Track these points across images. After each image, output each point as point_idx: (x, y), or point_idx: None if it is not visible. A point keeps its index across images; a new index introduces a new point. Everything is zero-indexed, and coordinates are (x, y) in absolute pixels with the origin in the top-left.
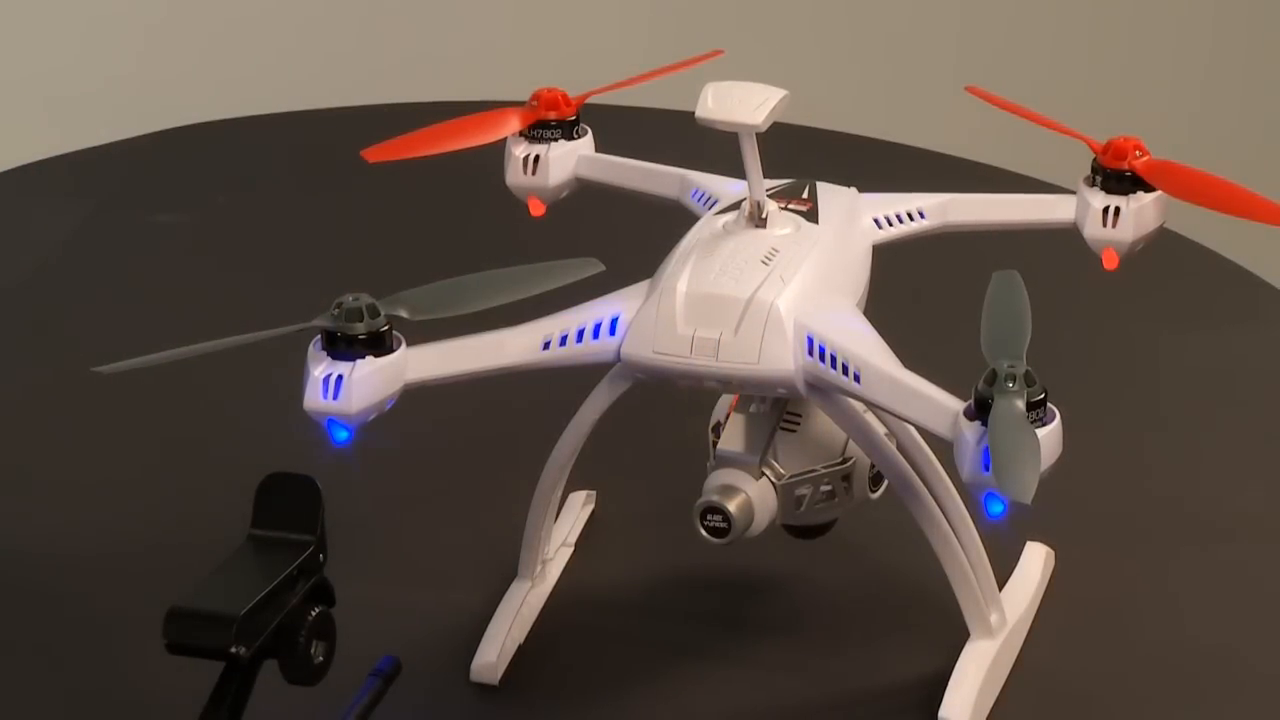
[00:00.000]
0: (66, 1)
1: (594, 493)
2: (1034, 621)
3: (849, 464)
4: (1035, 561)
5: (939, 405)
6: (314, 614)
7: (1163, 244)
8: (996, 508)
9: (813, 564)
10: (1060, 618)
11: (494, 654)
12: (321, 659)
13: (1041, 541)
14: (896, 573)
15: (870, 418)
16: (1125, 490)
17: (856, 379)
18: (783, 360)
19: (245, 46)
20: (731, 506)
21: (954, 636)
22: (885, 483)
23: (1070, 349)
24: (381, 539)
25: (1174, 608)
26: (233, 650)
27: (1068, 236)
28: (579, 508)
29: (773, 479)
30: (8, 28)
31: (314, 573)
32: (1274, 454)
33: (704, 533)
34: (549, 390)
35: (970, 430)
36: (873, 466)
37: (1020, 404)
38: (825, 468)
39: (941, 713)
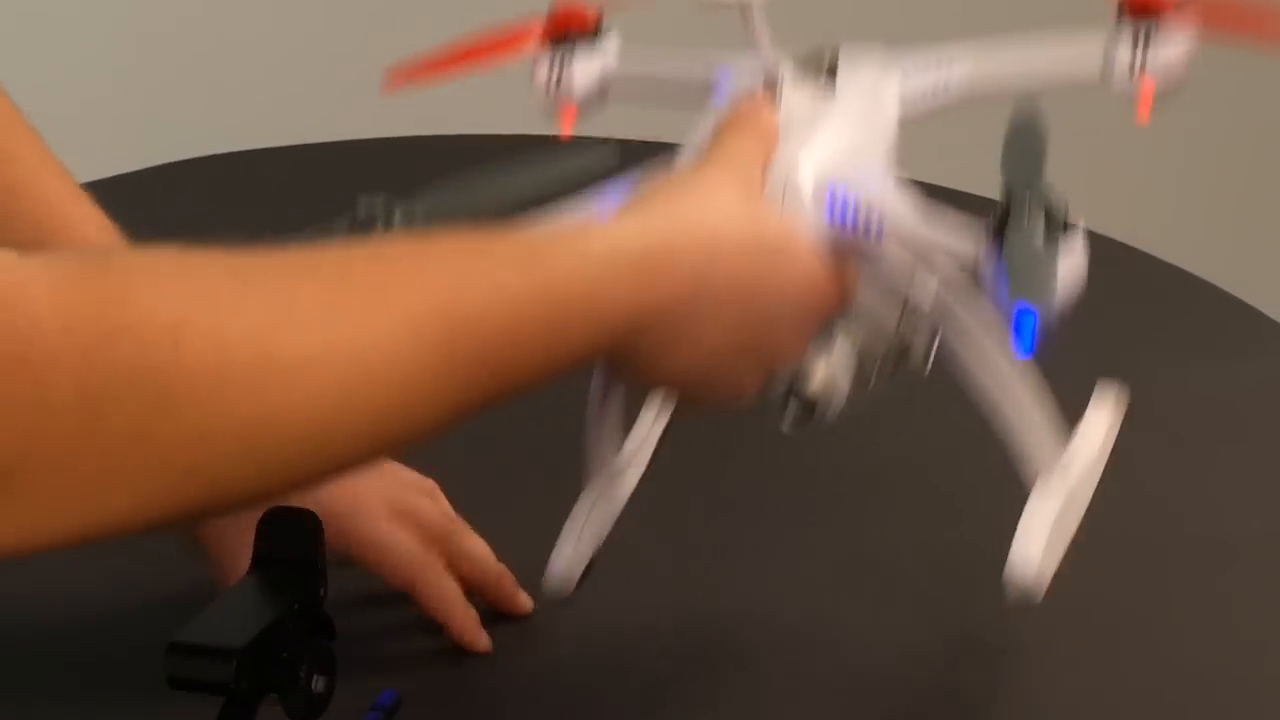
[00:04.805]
0: (65, 40)
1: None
2: (1033, 640)
3: (910, 334)
4: (1105, 402)
5: (965, 244)
6: (315, 648)
7: (1161, 279)
8: (1026, 333)
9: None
10: (1062, 640)
11: (562, 565)
12: (322, 693)
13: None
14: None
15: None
16: (1129, 514)
17: (879, 236)
18: (814, 223)
19: (242, 80)
20: (815, 385)
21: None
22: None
23: (1072, 380)
24: None
25: (1178, 630)
26: (233, 685)
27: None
28: (649, 423)
29: (841, 355)
30: (8, 64)
31: (315, 606)
32: (1275, 480)
33: (788, 419)
34: (547, 408)
35: (991, 257)
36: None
37: (1037, 221)
38: (886, 337)
39: (1009, 566)
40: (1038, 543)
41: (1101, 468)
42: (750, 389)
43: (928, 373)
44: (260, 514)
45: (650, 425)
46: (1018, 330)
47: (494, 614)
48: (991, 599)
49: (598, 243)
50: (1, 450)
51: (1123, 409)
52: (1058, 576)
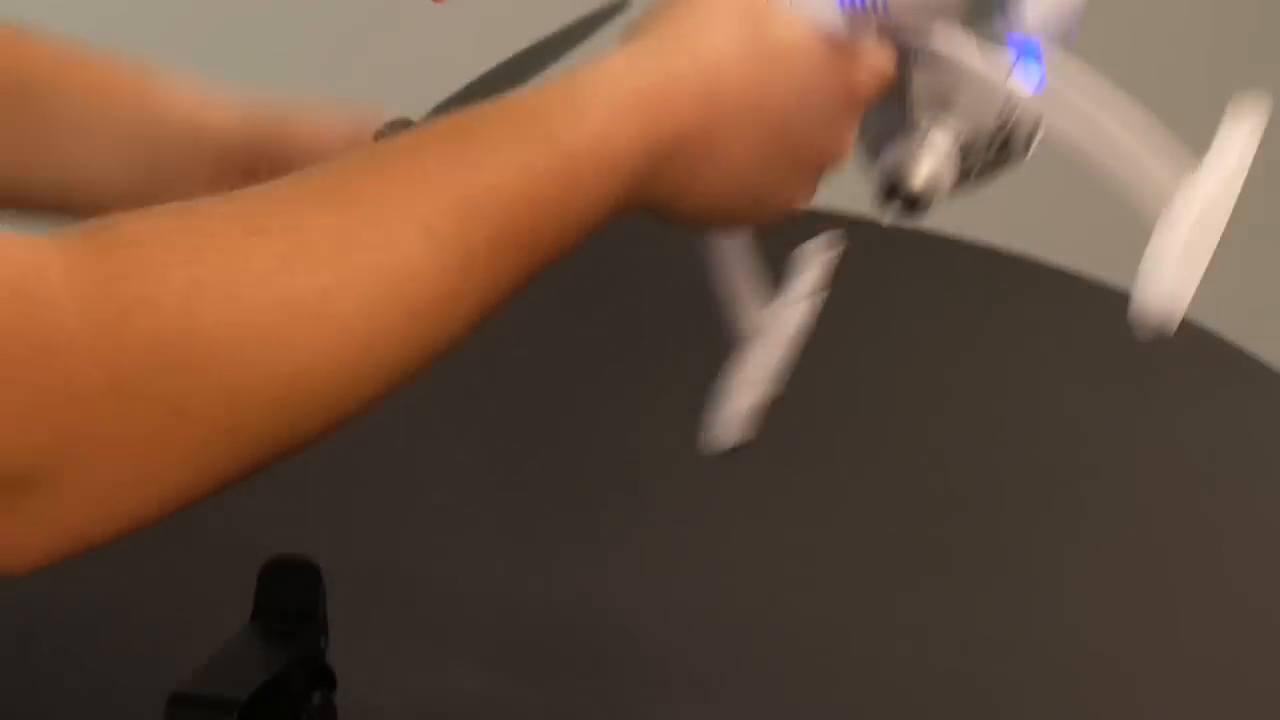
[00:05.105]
0: None
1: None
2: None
3: (1011, 124)
4: (1242, 113)
5: None
6: (316, 698)
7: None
8: (1030, 64)
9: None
10: (1059, 671)
11: (727, 416)
12: None
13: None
14: None
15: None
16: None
17: (884, 8)
18: (823, 13)
19: None
20: (918, 181)
21: None
22: (1038, 137)
23: (1059, 426)
24: (382, 617)
25: (1178, 635)
26: None
27: (1059, 323)
28: (819, 254)
29: (941, 147)
30: None
31: (316, 657)
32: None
33: (890, 215)
34: (531, 458)
35: None
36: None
37: None
38: (987, 130)
39: (1135, 302)
40: (1166, 276)
41: (1242, 178)
42: (802, 198)
43: (1028, 158)
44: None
45: (815, 262)
46: (1022, 62)
47: (488, 655)
48: (992, 596)
49: (591, 90)
50: (42, 450)
51: (1264, 119)
52: (1060, 589)
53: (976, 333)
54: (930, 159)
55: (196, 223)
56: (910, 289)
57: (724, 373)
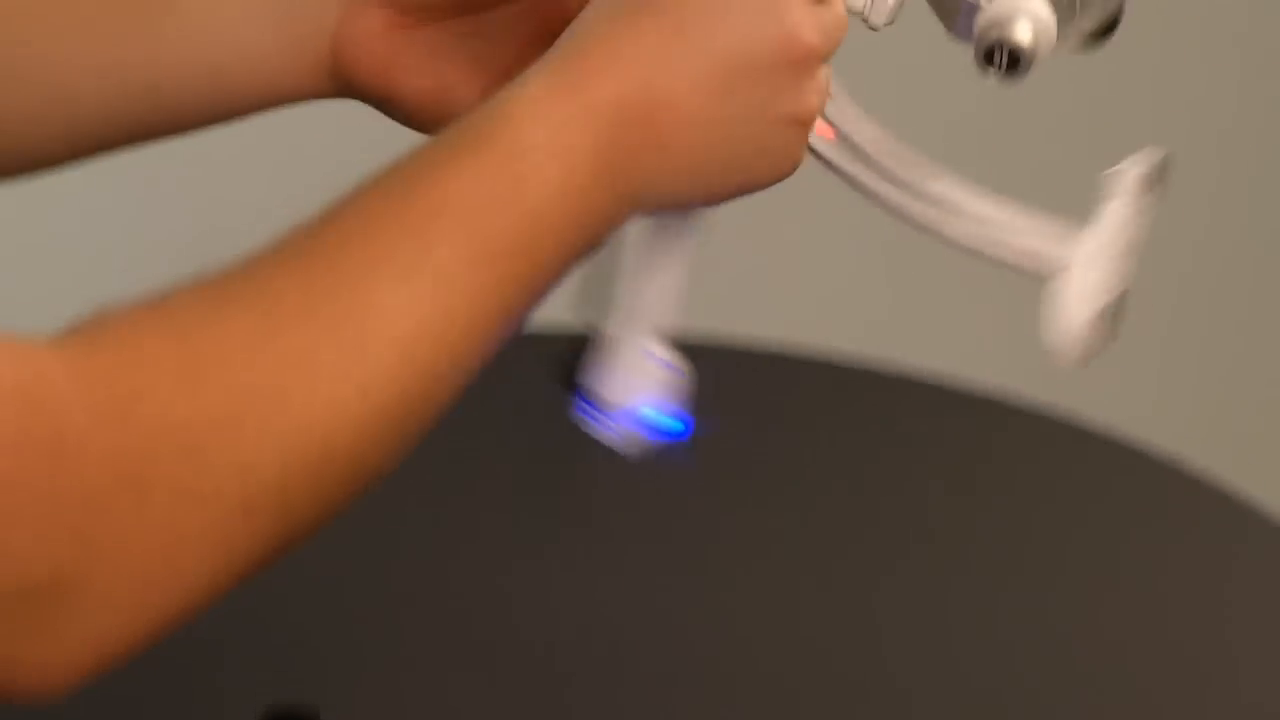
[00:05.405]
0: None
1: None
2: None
3: None
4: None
5: None
6: None
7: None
8: None
9: None
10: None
11: (1066, 330)
12: None
13: None
14: None
15: None
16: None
17: None
18: None
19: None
20: (1020, 37)
21: None
22: None
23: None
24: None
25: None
26: None
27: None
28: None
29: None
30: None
31: None
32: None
33: (994, 73)
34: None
35: None
36: None
37: None
38: None
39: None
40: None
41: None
42: (810, 99)
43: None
44: None
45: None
46: None
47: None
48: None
49: (509, 93)
50: (62, 559)
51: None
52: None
53: (974, 479)
54: (1030, 13)
55: (178, 308)
56: (900, 433)
57: (1048, 292)
